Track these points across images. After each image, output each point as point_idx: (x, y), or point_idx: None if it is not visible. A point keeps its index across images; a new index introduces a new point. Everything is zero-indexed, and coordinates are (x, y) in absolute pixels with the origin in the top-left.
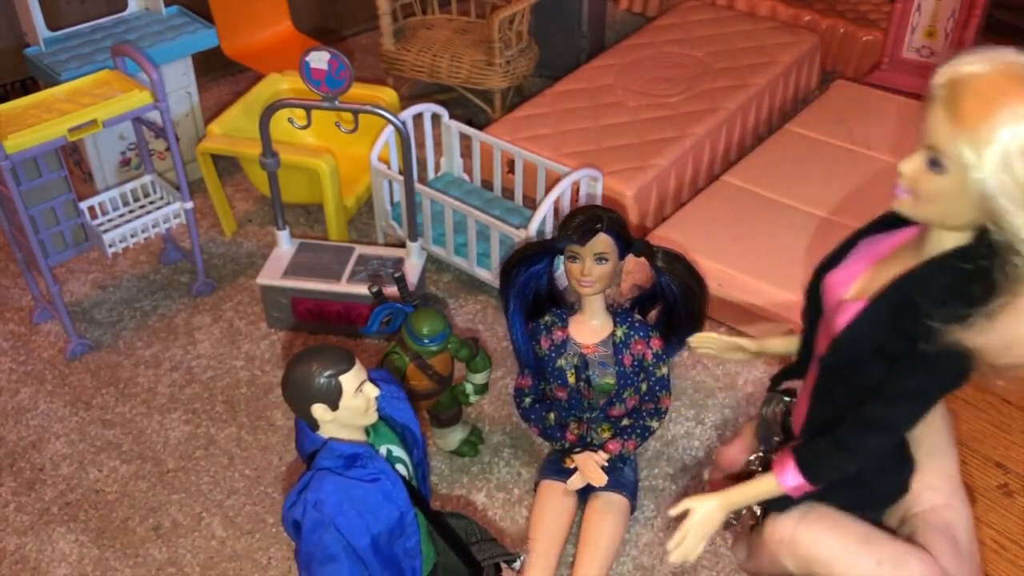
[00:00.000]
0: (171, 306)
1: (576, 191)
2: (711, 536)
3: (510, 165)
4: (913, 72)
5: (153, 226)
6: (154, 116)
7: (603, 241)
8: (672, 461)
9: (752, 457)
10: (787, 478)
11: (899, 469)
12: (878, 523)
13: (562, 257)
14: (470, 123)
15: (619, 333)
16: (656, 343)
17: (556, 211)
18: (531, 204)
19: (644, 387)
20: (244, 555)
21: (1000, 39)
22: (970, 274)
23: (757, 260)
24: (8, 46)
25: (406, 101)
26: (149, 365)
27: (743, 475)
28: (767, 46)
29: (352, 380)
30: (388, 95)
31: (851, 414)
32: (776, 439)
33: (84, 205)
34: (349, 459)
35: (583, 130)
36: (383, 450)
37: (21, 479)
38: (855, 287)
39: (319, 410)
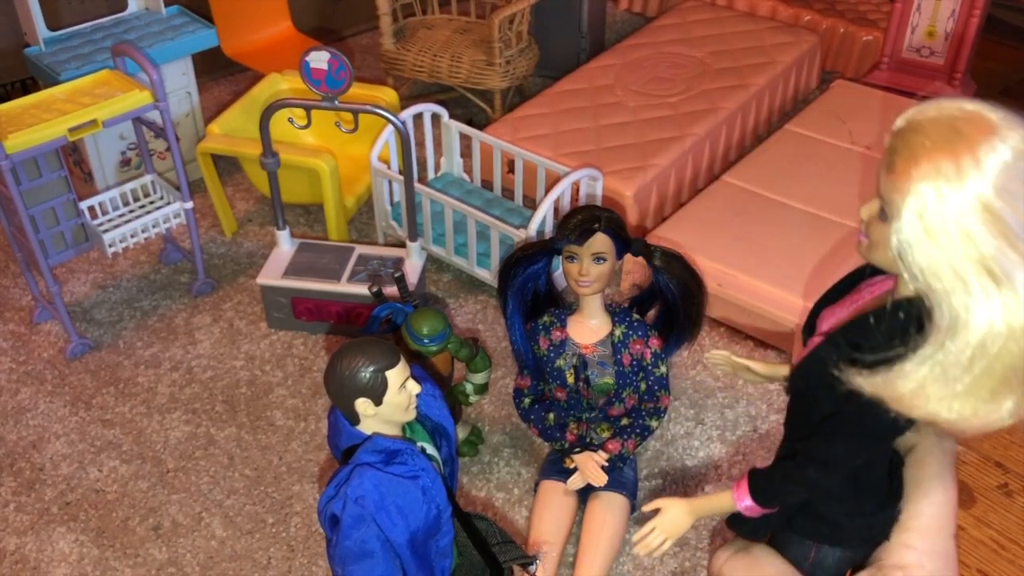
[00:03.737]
0: (171, 306)
1: (576, 191)
2: (677, 537)
3: (510, 165)
4: (913, 72)
5: (153, 226)
6: (154, 116)
7: (601, 241)
8: (672, 461)
9: None
10: (741, 498)
11: (876, 516)
12: (855, 561)
13: (560, 257)
14: (470, 123)
15: (618, 333)
16: (655, 342)
17: (556, 211)
18: (531, 204)
19: (643, 386)
20: (244, 555)
21: (1000, 39)
22: (909, 322)
23: (757, 260)
24: (8, 46)
25: (406, 101)
26: (149, 365)
27: None
28: (767, 46)
29: (398, 376)
30: (388, 95)
31: (800, 446)
32: None
33: (84, 205)
34: (390, 455)
35: (583, 130)
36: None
37: (21, 479)
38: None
39: (362, 404)
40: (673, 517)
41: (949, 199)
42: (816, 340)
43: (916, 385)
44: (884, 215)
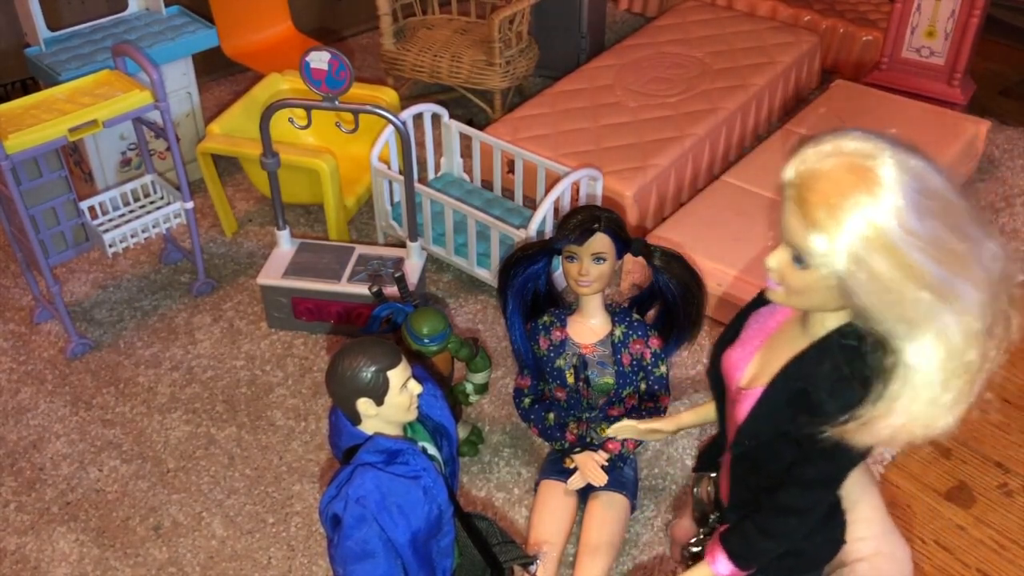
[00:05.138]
0: (171, 306)
1: (576, 191)
2: None
3: (510, 165)
4: (913, 72)
5: (153, 226)
6: (154, 116)
7: (601, 241)
8: (672, 461)
9: (693, 540)
10: (719, 567)
11: (831, 529)
12: None
13: (560, 257)
14: (470, 123)
15: (617, 333)
16: (655, 342)
17: (556, 211)
18: (531, 204)
19: (643, 386)
20: (244, 555)
21: (999, 39)
22: (853, 354)
23: (757, 260)
24: (8, 46)
25: (406, 101)
26: (149, 365)
27: (691, 557)
28: (767, 46)
29: (399, 376)
30: (388, 95)
31: (768, 500)
32: (712, 517)
33: (84, 205)
34: (392, 455)
35: (583, 130)
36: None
37: (21, 479)
38: (749, 371)
39: (363, 404)
40: None
41: (875, 226)
42: (750, 394)
43: (902, 421)
44: (800, 262)
